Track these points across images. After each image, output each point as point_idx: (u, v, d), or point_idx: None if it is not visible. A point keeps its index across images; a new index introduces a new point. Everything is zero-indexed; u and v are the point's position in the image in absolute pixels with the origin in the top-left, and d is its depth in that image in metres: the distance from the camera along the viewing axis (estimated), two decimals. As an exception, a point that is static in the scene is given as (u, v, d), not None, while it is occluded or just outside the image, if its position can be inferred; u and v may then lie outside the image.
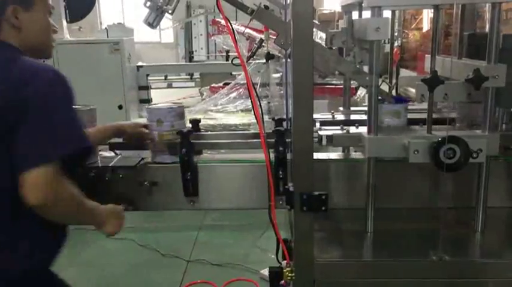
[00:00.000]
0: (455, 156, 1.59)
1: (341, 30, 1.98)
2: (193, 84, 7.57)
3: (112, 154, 2.17)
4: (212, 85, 5.73)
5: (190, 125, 2.15)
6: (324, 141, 1.89)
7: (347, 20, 1.99)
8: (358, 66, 1.93)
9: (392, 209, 1.93)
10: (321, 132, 1.89)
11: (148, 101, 5.49)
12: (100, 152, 2.17)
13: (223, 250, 3.94)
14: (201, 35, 12.68)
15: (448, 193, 1.96)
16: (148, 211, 2.17)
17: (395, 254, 1.67)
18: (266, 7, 1.95)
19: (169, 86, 7.90)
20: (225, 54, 6.74)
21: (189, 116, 4.41)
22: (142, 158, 2.06)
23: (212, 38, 8.08)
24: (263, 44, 4.20)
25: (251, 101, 1.85)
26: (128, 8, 13.47)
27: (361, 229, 1.80)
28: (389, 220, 1.89)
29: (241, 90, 5.30)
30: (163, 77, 7.59)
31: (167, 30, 13.83)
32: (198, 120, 2.22)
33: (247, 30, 4.72)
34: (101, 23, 12.53)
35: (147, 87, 5.53)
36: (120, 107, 5.12)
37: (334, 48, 2.01)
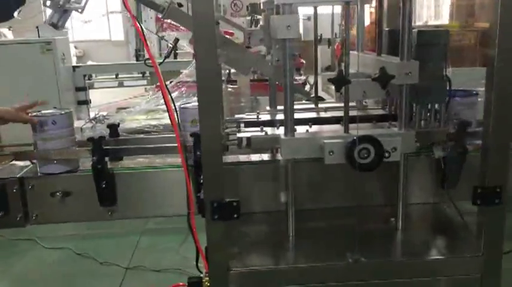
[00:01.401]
0: (370, 156, 1.56)
1: (259, 28, 1.92)
2: (145, 82, 7.35)
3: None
4: (157, 84, 5.57)
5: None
6: (244, 144, 1.83)
7: (264, 17, 1.93)
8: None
9: (315, 210, 1.89)
10: (240, 135, 1.82)
11: (86, 102, 5.28)
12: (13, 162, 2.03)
13: (165, 255, 3.82)
14: (152, 32, 12.38)
15: (374, 190, 1.95)
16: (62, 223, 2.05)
17: (314, 259, 1.63)
18: (180, 4, 1.86)
19: (121, 85, 7.64)
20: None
21: (130, 117, 4.26)
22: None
23: (159, 34, 7.87)
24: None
25: (165, 104, 1.76)
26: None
27: (282, 233, 1.75)
28: (312, 221, 1.85)
29: (183, 89, 5.17)
30: (114, 76, 7.32)
31: (119, 27, 13.48)
32: (117, 125, 2.11)
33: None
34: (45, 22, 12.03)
35: (84, 88, 5.31)
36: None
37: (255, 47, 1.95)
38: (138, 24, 1.72)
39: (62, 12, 1.82)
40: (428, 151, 1.90)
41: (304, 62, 5.89)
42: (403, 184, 1.73)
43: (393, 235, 1.77)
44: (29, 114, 1.91)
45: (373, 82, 1.57)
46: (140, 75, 7.90)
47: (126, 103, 4.90)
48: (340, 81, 1.48)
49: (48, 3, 1.77)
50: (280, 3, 1.57)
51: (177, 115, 1.82)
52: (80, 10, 1.95)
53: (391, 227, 1.79)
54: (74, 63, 5.41)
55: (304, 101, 2.39)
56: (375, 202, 1.95)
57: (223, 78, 5.07)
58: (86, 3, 1.96)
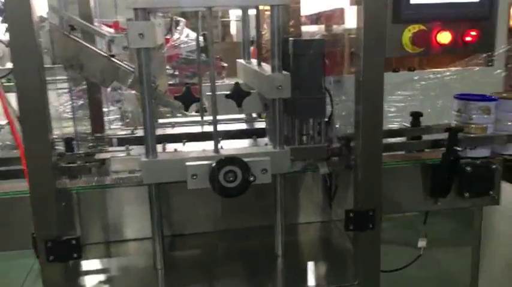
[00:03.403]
0: (237, 179, 1.40)
1: (123, 35, 1.71)
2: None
3: None
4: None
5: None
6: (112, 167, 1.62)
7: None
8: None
9: (187, 236, 1.71)
10: (100, 156, 1.60)
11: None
12: None
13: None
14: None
15: (257, 211, 1.80)
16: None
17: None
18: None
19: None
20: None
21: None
22: None
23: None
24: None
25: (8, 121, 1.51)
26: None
27: (149, 266, 1.56)
28: (184, 250, 1.67)
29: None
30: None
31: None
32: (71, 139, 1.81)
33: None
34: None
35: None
36: None
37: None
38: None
39: None
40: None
41: (225, 65, 5.72)
42: (281, 206, 1.58)
43: (271, 262, 1.61)
44: None
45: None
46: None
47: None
48: (188, 99, 1.30)
49: None
50: (132, 8, 1.37)
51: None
52: None
53: (270, 254, 1.64)
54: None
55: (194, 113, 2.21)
56: (261, 223, 1.80)
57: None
58: None
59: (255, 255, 1.66)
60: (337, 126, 2.92)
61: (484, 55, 3.93)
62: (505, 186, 2.02)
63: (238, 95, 1.37)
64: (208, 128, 1.90)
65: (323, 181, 1.84)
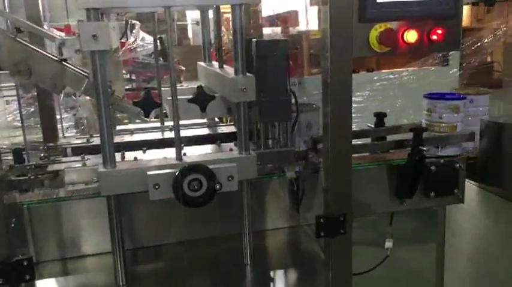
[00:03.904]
0: (202, 187, 1.33)
1: (75, 37, 1.61)
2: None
3: None
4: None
5: None
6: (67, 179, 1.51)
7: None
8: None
9: (154, 248, 1.63)
10: (52, 167, 1.50)
11: None
12: None
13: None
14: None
15: (222, 219, 1.73)
16: None
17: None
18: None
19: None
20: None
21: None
22: None
23: None
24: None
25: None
26: None
27: (110, 283, 1.47)
28: (148, 263, 1.58)
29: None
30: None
31: None
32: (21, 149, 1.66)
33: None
34: None
35: None
36: None
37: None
38: None
39: None
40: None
41: (183, 69, 5.61)
42: (248, 213, 1.52)
43: (239, 271, 1.55)
44: None
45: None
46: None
47: None
48: (148, 105, 1.23)
49: None
50: (83, 8, 1.28)
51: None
52: None
53: (238, 262, 1.57)
54: None
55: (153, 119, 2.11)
56: (227, 232, 1.73)
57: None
58: None
59: (222, 265, 1.60)
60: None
61: (440, 55, 4.04)
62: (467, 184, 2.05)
63: (202, 99, 1.30)
64: (169, 135, 1.83)
65: (289, 185, 1.79)
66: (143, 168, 1.36)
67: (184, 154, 1.45)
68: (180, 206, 1.40)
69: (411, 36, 1.28)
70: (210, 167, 1.33)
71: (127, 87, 5.06)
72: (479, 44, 3.89)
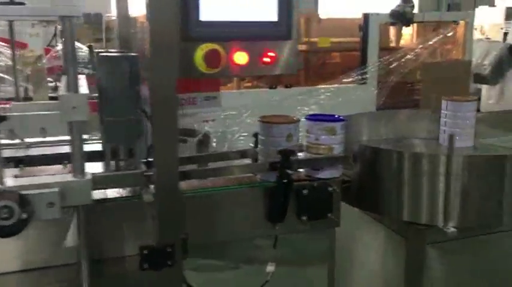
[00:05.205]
0: (14, 215, 1.20)
1: None
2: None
3: None
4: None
5: None
6: None
7: None
8: None
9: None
10: None
11: None
12: None
13: None
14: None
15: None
16: None
17: None
18: None
19: None
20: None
21: None
22: None
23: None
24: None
25: None
26: None
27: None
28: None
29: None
30: None
31: None
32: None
33: None
34: None
35: None
36: None
37: None
38: None
39: None
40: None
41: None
42: (85, 242, 1.39)
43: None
44: None
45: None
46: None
47: None
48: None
49: None
50: None
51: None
52: None
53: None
54: None
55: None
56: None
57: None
58: None
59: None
60: (214, 144, 2.78)
61: (357, 73, 4.05)
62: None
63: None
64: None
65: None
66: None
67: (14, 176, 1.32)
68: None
69: (241, 58, 1.20)
70: (26, 193, 1.21)
71: (52, 95, 4.85)
72: (396, 63, 3.93)
